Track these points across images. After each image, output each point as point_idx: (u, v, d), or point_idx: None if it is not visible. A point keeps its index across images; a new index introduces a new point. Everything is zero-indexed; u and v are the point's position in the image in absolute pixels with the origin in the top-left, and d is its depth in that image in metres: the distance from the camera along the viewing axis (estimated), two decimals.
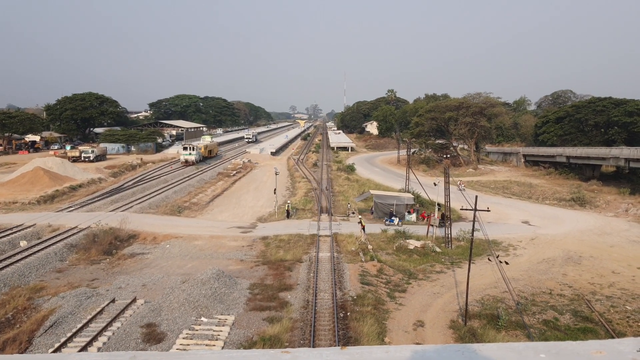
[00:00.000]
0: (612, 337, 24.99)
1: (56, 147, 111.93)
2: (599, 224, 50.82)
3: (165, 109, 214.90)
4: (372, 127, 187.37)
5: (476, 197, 29.70)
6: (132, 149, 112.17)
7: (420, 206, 57.11)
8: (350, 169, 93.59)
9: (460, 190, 62.98)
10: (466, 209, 31.70)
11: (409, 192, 60.91)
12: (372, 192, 58.89)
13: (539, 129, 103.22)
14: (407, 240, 42.03)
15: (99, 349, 21.93)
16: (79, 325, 23.89)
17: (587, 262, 37.87)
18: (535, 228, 49.19)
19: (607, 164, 78.15)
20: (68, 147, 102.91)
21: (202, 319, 25.19)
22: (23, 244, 38.90)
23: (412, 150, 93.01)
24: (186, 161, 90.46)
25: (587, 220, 52.66)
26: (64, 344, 22.05)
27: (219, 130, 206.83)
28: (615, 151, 71.88)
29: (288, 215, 52.33)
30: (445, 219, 44.05)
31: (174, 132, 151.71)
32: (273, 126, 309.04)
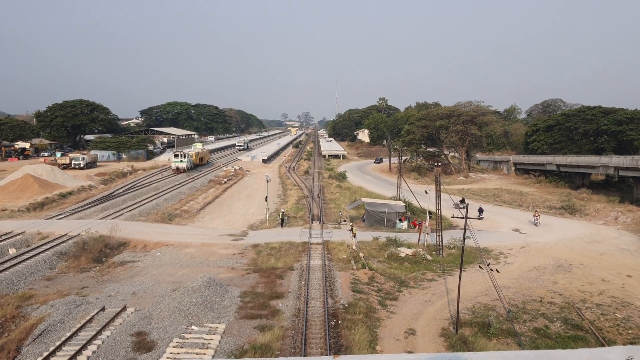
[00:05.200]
0: (602, 345, 25.13)
1: (46, 154, 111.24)
2: (588, 232, 51.14)
3: (157, 116, 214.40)
4: (363, 135, 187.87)
5: (467, 205, 29.82)
6: (123, 156, 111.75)
7: (412, 214, 57.24)
8: (342, 176, 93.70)
9: (536, 224, 54.09)
10: (457, 217, 31.81)
11: (400, 199, 61.05)
12: (363, 199, 58.90)
13: (529, 137, 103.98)
14: (399, 248, 42.07)
15: (88, 358, 21.71)
16: (68, 334, 23.66)
17: (577, 270, 38.08)
18: (525, 236, 49.40)
19: (597, 173, 78.76)
20: (58, 154, 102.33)
21: (193, 327, 25.03)
22: (12, 251, 38.51)
23: (404, 158, 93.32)
24: (177, 168, 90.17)
25: (577, 228, 52.98)
26: (53, 353, 21.82)
27: (211, 138, 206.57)
28: (604, 160, 72.48)
29: (282, 224, 52.07)
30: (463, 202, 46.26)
31: (165, 140, 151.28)
32: (265, 134, 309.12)
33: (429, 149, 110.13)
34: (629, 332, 27.30)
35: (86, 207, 57.36)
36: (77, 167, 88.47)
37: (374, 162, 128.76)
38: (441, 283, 34.79)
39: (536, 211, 57.68)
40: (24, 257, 36.40)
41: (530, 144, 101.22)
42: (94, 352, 22.27)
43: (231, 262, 38.82)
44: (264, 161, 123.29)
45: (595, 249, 44.69)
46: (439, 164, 60.71)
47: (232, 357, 22.07)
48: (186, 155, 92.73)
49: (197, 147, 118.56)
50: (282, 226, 51.70)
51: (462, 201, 56.70)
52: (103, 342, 23.14)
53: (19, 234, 42.97)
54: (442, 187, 44.62)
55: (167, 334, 24.14)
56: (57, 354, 21.97)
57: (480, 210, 57.20)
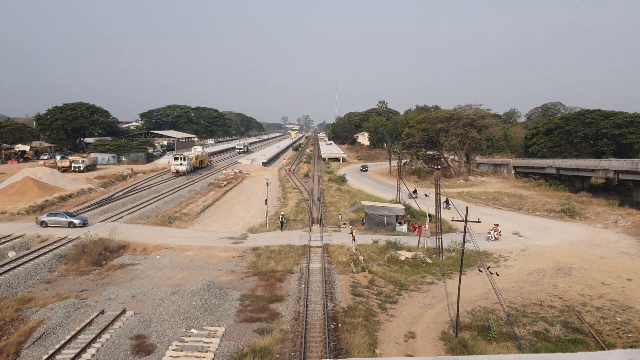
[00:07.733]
0: (602, 349, 25.10)
1: (46, 157, 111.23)
2: (588, 235, 51.12)
3: (157, 119, 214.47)
4: (363, 138, 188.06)
5: (467, 208, 29.82)
6: (123, 159, 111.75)
7: (412, 217, 57.21)
8: (342, 179, 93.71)
9: (490, 239, 48.26)
10: (457, 220, 31.81)
11: (400, 203, 61.04)
12: (363, 202, 58.91)
13: (528, 140, 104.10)
14: (398, 251, 42.04)
15: None
16: (68, 337, 23.62)
17: (577, 274, 38.06)
18: (525, 239, 49.38)
19: (597, 176, 78.76)
20: (58, 157, 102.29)
21: (192, 330, 24.99)
22: (11, 254, 38.49)
23: (403, 161, 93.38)
24: (177, 171, 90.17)
25: (577, 232, 52.96)
26: (52, 356, 21.77)
27: (210, 141, 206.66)
28: (604, 163, 72.50)
29: (282, 227, 52.01)
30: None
31: (165, 142, 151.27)
32: (264, 137, 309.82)
33: (428, 152, 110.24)
34: (629, 335, 27.29)
35: (86, 210, 57.31)
36: (76, 169, 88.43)
37: (360, 170, 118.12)
38: (441, 286, 34.76)
39: (496, 224, 50.56)
40: (24, 260, 36.38)
41: (530, 147, 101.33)
42: (93, 355, 22.24)
43: (231, 265, 38.79)
44: (264, 164, 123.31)
45: (595, 252, 44.68)
46: (439, 167, 60.59)
47: None
48: (186, 158, 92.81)
49: (197, 150, 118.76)
50: (281, 229, 51.66)
51: (415, 192, 58.01)
52: (102, 345, 23.10)
53: (18, 237, 42.92)
54: (442, 189, 44.62)
55: (166, 337, 24.11)
56: (57, 357, 21.93)
57: (447, 202, 58.78)
